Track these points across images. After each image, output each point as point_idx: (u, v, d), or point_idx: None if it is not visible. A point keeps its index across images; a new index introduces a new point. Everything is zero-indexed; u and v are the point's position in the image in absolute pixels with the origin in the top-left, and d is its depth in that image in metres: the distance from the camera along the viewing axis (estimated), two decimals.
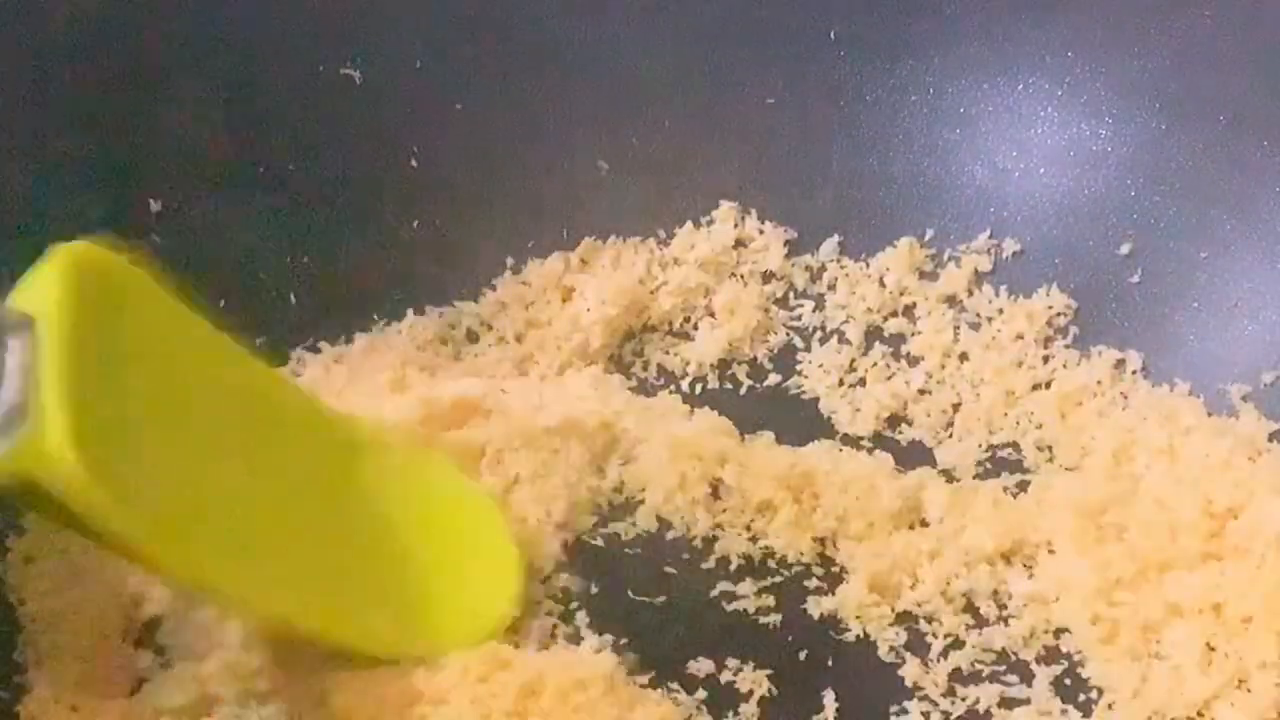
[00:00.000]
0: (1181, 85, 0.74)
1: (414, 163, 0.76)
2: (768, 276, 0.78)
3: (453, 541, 0.64)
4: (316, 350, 0.73)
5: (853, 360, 0.76)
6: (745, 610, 0.66)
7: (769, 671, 0.64)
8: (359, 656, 0.59)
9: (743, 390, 0.76)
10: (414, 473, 0.65)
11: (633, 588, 0.66)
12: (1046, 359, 0.75)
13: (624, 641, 0.64)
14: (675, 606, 0.66)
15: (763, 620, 0.66)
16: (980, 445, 0.73)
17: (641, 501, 0.69)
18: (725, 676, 0.63)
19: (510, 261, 0.77)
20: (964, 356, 0.76)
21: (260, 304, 0.73)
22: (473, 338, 0.76)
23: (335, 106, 0.75)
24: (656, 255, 0.78)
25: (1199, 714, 0.62)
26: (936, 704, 0.63)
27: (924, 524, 0.69)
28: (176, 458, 0.55)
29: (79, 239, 0.54)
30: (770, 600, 0.66)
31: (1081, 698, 0.64)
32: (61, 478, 0.48)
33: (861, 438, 0.73)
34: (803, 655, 0.65)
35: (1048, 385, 0.74)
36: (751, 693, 0.63)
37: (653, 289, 0.78)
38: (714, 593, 0.66)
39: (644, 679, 0.63)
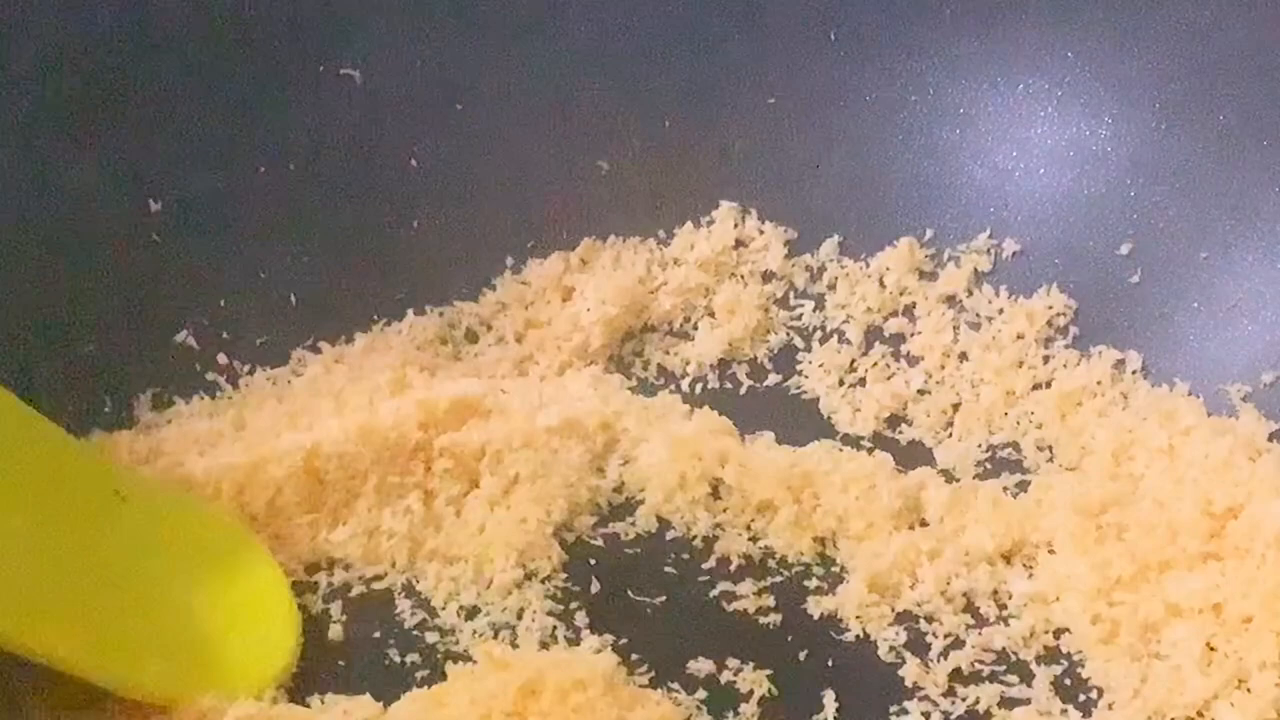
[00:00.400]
0: (1181, 85, 0.74)
1: (414, 163, 0.76)
2: (768, 276, 0.78)
3: (224, 591, 0.63)
4: (317, 350, 0.73)
5: (853, 360, 0.76)
6: (745, 610, 0.66)
7: (769, 671, 0.63)
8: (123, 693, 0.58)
9: (743, 390, 0.76)
10: (186, 525, 0.65)
11: (632, 588, 0.66)
12: (1046, 359, 0.75)
13: (623, 641, 0.64)
14: (675, 606, 0.66)
15: (763, 620, 0.66)
16: (980, 445, 0.73)
17: (641, 501, 0.69)
18: (725, 676, 0.63)
19: (510, 261, 0.77)
20: (964, 356, 0.76)
21: (260, 304, 0.73)
22: (473, 338, 0.76)
23: (335, 106, 0.75)
24: (656, 255, 0.78)
25: (1199, 714, 0.62)
26: (936, 704, 0.63)
27: (924, 524, 0.69)
28: None
29: None
30: (770, 600, 0.66)
31: (1081, 698, 0.64)
32: None
33: (861, 438, 0.73)
34: (803, 655, 0.65)
35: (1048, 385, 0.74)
36: (751, 693, 0.63)
37: (653, 289, 0.78)
38: (714, 593, 0.66)
39: (644, 679, 0.63)
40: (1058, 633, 0.66)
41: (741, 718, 0.62)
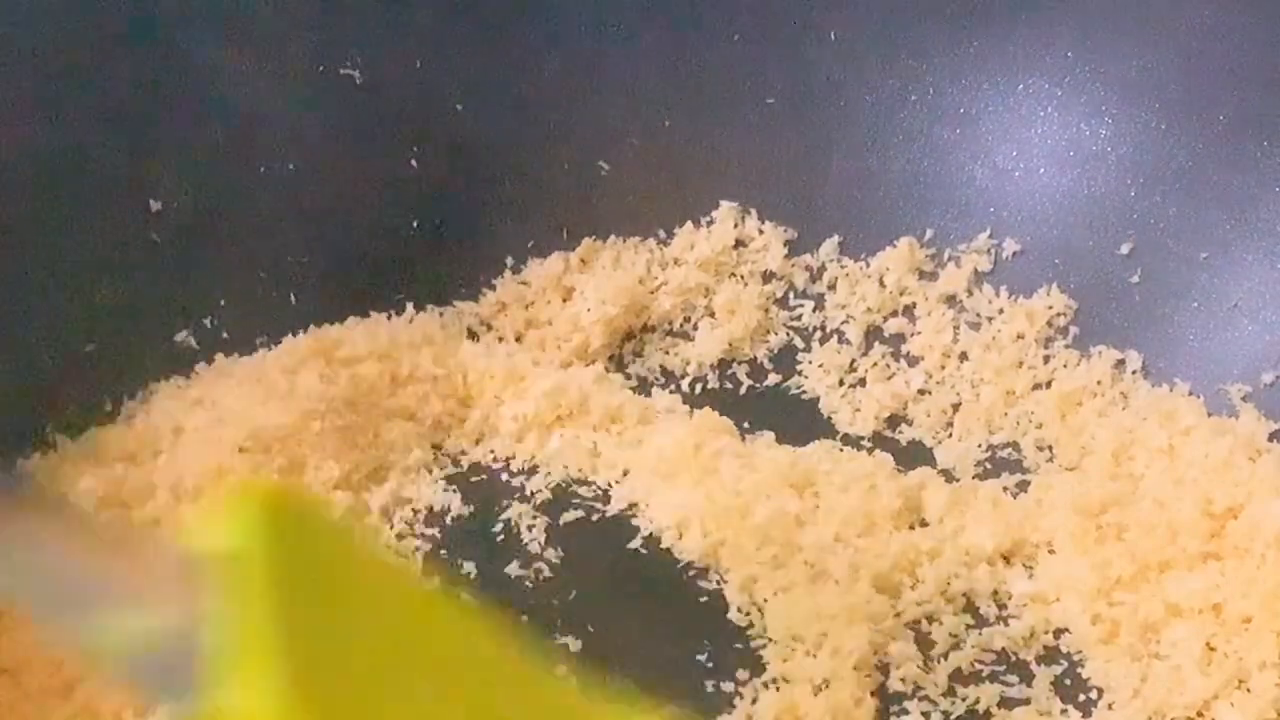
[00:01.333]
0: (1181, 85, 0.74)
1: (414, 163, 0.76)
2: (768, 276, 0.78)
3: None
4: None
5: (853, 360, 0.76)
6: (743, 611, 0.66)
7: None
8: None
9: (743, 390, 0.76)
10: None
11: (629, 589, 0.66)
12: (1046, 359, 0.75)
13: (619, 642, 0.64)
14: (672, 608, 0.66)
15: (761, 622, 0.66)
16: (980, 445, 0.73)
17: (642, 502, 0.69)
18: (724, 680, 0.63)
19: (510, 261, 0.77)
20: (964, 356, 0.76)
21: (260, 304, 0.73)
22: (473, 338, 0.76)
23: (335, 106, 0.75)
24: (656, 255, 0.78)
25: (1199, 714, 0.62)
26: (936, 704, 0.63)
27: (924, 524, 0.69)
28: (358, 687, 0.54)
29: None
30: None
31: (1081, 698, 0.64)
32: None
33: (861, 438, 0.73)
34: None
35: (1048, 385, 0.74)
36: (748, 695, 0.63)
37: (653, 289, 0.78)
38: (712, 594, 0.66)
39: (632, 680, 0.62)
40: (1058, 633, 0.66)
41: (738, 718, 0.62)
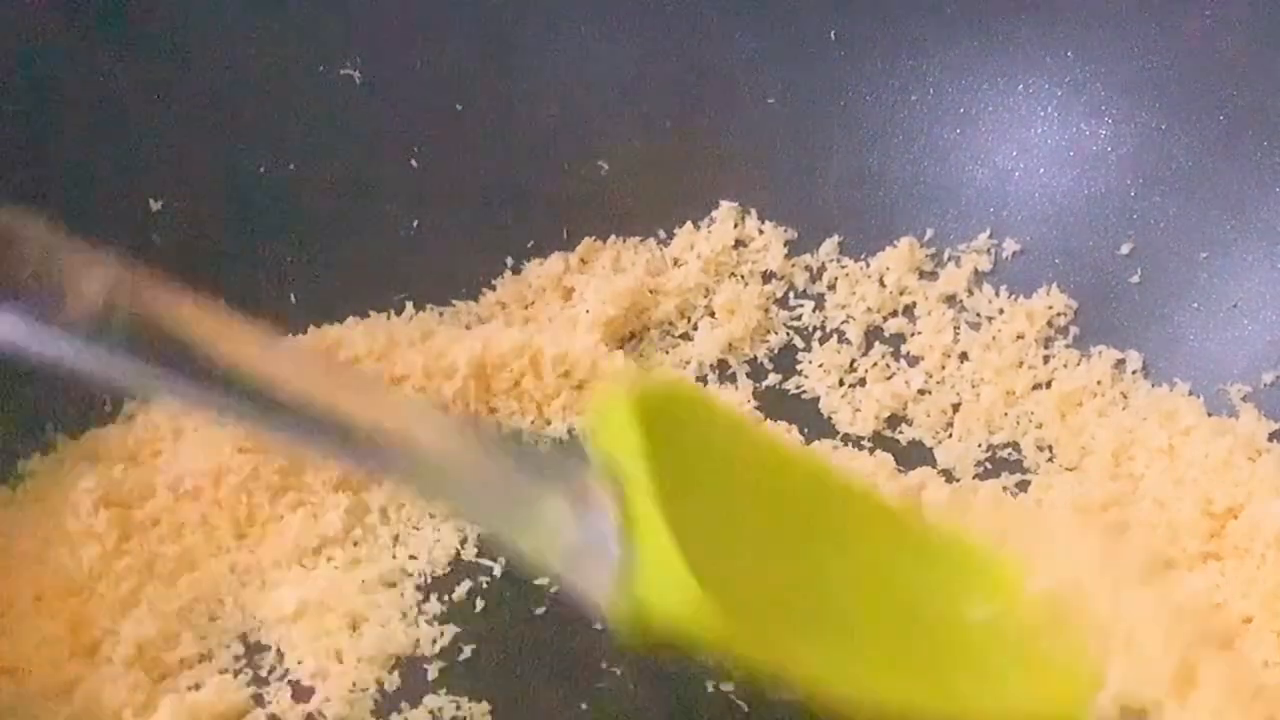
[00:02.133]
0: (1181, 85, 0.74)
1: (414, 163, 0.76)
2: (768, 276, 0.78)
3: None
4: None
5: (853, 360, 0.76)
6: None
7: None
8: None
9: (743, 390, 0.76)
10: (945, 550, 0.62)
11: None
12: (1046, 359, 0.75)
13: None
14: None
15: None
16: (980, 445, 0.73)
17: None
18: (724, 683, 0.63)
19: (510, 261, 0.77)
20: (964, 356, 0.76)
21: (260, 303, 0.73)
22: None
23: (335, 106, 0.75)
24: (656, 255, 0.78)
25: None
26: None
27: None
28: (754, 563, 0.55)
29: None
30: None
31: None
32: (700, 625, 0.49)
33: (861, 438, 0.73)
34: None
35: (1048, 385, 0.74)
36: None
37: (653, 289, 0.78)
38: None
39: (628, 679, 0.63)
40: None
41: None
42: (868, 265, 0.78)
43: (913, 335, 0.77)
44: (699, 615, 0.49)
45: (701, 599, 0.49)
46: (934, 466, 0.72)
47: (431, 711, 0.61)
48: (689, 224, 0.79)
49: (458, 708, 0.62)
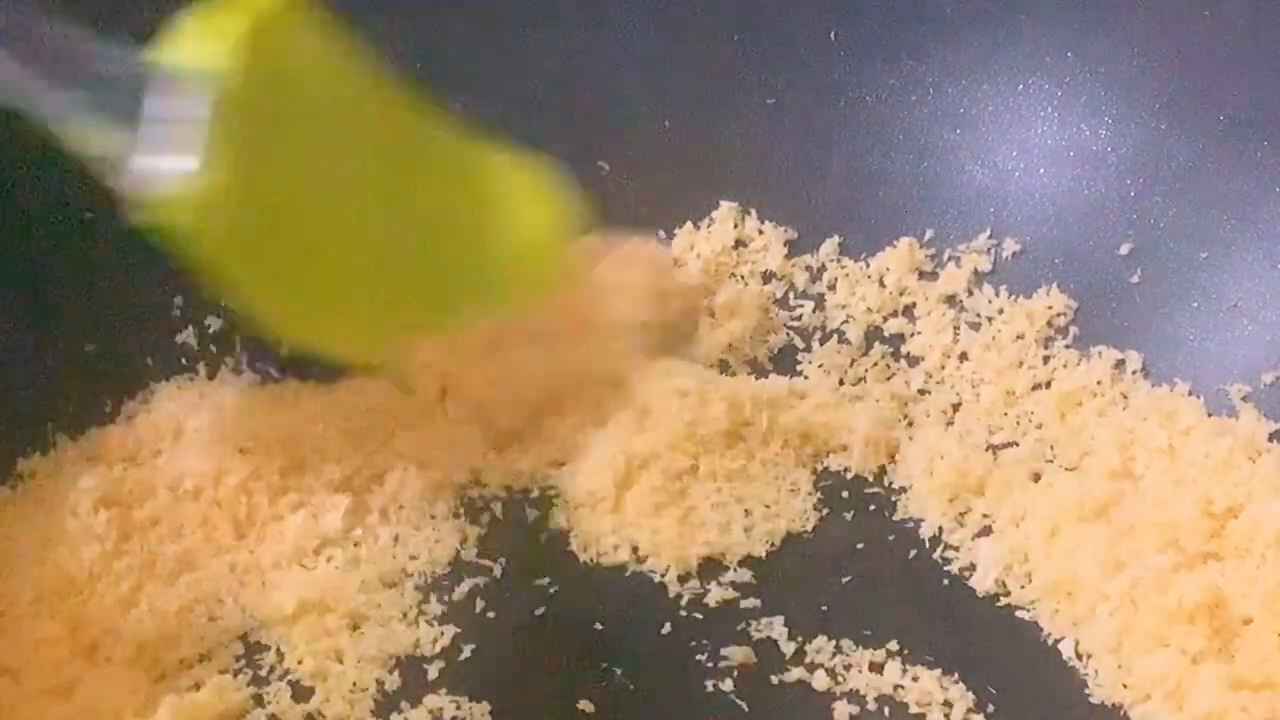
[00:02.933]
0: (1181, 85, 0.74)
1: None
2: (768, 276, 0.78)
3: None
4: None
5: (853, 360, 0.76)
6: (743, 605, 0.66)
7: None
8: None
9: None
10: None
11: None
12: (1046, 359, 0.75)
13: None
14: (664, 609, 0.66)
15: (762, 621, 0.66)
16: (980, 445, 0.73)
17: None
18: (723, 682, 0.63)
19: None
20: (964, 356, 0.76)
21: None
22: None
23: None
24: None
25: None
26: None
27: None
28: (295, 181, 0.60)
29: None
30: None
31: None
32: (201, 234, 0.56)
33: None
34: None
35: (1048, 385, 0.74)
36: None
37: None
38: (713, 595, 0.66)
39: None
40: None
41: None
42: (868, 265, 0.78)
43: (913, 335, 0.77)
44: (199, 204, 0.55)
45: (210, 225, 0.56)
46: None
47: (431, 711, 0.62)
48: (689, 224, 0.79)
49: (458, 708, 0.62)
